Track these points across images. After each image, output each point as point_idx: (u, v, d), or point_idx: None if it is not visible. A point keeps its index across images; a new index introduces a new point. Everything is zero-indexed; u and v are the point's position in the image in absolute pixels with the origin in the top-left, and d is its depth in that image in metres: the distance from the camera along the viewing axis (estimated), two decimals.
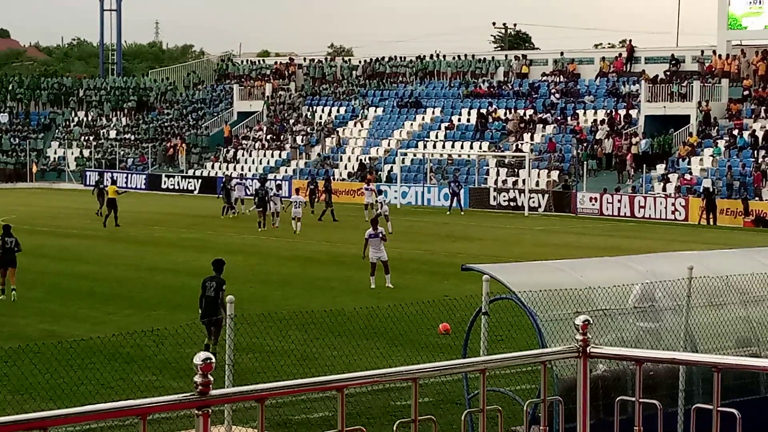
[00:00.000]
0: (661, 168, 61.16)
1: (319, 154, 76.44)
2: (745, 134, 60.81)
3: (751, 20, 66.02)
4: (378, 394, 17.30)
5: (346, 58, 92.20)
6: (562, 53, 76.19)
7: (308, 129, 79.40)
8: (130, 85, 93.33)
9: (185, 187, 77.50)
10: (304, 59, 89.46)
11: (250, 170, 76.84)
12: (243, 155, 79.82)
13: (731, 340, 16.09)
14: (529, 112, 71.18)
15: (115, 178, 63.93)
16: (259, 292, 29.47)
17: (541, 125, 69.37)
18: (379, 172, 70.43)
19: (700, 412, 6.24)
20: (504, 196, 63.36)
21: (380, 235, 30.66)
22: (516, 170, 65.56)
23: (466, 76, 78.13)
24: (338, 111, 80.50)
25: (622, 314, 15.45)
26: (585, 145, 65.63)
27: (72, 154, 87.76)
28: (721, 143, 60.91)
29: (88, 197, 55.74)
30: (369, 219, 45.65)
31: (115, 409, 5.16)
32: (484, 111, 72.52)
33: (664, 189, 59.21)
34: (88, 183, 77.12)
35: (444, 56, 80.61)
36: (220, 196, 57.72)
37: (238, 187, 56.46)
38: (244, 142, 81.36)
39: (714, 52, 67.63)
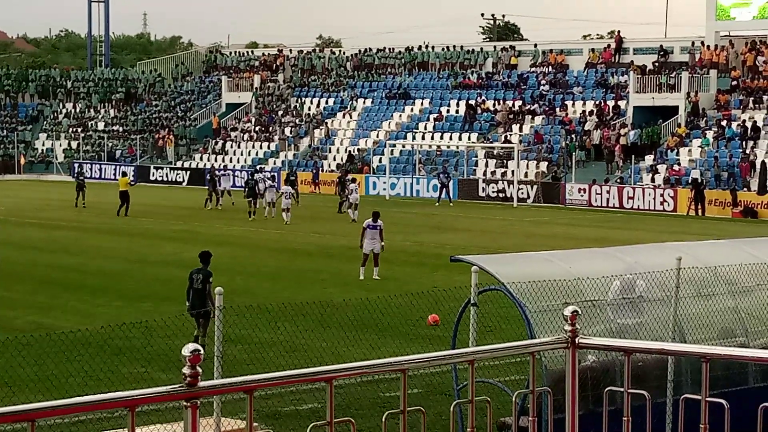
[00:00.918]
0: (649, 159, 61.22)
1: (308, 146, 76.36)
2: (734, 125, 60.87)
3: (739, 11, 66.10)
4: (367, 386, 17.31)
5: (335, 50, 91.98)
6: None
7: (297, 120, 79.28)
8: (118, 77, 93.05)
9: (174, 179, 77.43)
10: (292, 51, 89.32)
11: (238, 162, 76.78)
12: (231, 147, 79.68)
13: (719, 330, 16.11)
14: (518, 103, 71.17)
15: (125, 170, 63.61)
16: (249, 283, 29.45)
17: (530, 116, 69.37)
18: (367, 164, 70.39)
19: (688, 403, 6.25)
20: (493, 188, 63.37)
21: (378, 227, 30.73)
22: (505, 161, 65.57)
23: (454, 67, 78.06)
24: (327, 102, 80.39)
25: (611, 305, 15.46)
26: (573, 136, 65.65)
27: (60, 145, 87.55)
28: (710, 134, 60.98)
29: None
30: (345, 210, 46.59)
31: (103, 401, 5.15)
32: (472, 102, 72.51)
33: (652, 180, 59.27)
34: (76, 175, 76.97)
35: (433, 47, 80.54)
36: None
37: (224, 178, 56.49)
38: (232, 133, 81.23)
39: (702, 43, 67.66)
